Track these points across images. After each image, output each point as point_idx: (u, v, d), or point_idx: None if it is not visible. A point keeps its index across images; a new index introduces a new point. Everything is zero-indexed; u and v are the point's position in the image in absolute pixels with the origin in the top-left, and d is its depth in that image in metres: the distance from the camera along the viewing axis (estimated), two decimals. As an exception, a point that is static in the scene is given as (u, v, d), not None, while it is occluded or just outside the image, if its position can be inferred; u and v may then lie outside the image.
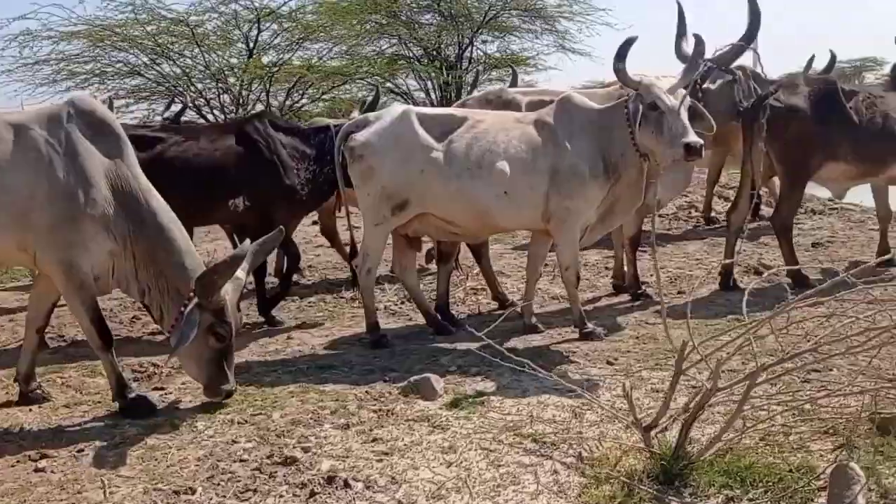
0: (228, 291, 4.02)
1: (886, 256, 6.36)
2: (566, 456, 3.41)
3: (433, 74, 19.90)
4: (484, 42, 20.96)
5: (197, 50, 16.18)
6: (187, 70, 16.27)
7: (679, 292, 6.36)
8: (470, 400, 4.13)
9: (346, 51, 18.97)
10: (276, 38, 17.97)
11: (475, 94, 8.11)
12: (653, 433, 3.28)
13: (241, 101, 16.72)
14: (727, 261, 6.28)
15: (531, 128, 5.06)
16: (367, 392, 4.32)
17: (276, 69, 17.45)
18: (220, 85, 17.23)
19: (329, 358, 5.03)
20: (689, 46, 6.29)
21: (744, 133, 6.14)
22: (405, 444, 3.60)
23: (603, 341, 5.05)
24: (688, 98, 4.81)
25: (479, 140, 5.01)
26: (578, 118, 5.03)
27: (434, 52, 20.34)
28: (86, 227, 3.88)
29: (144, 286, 4.05)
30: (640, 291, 6.17)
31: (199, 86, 16.91)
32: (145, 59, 16.02)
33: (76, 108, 4.02)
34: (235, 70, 17.14)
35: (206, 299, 3.88)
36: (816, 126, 6.01)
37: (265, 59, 17.53)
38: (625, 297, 6.26)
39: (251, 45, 17.60)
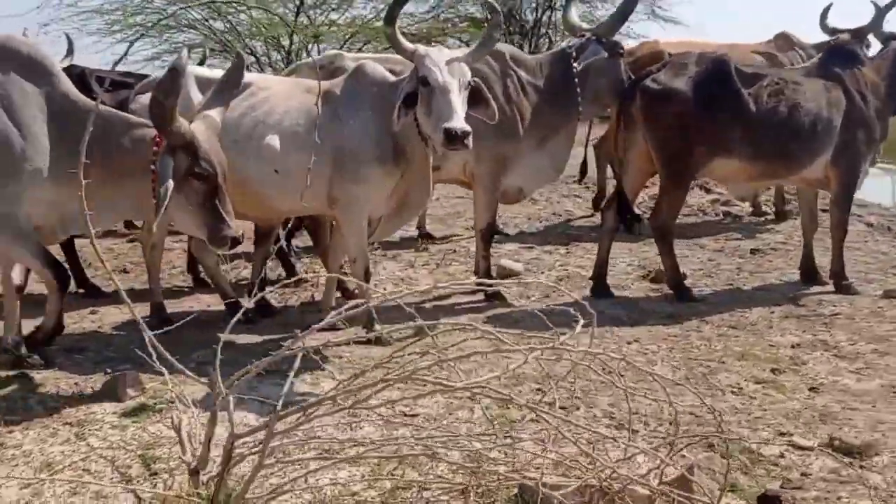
0: (198, 130, 3.69)
1: None
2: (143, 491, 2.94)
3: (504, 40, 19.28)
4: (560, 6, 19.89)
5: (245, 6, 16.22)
6: (237, 25, 16.34)
7: (545, 296, 5.65)
8: (155, 407, 3.71)
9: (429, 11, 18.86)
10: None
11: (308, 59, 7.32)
12: (204, 476, 2.77)
13: (290, 58, 16.68)
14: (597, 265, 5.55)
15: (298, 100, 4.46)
16: (73, 383, 3.98)
17: (329, 28, 17.50)
18: (268, 41, 17.34)
19: (89, 340, 4.71)
20: (576, 14, 5.54)
21: (616, 119, 5.31)
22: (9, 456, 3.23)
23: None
24: (467, 75, 4.12)
25: (254, 110, 4.45)
26: (368, 92, 4.41)
27: (514, 16, 19.69)
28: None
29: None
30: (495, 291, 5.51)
31: (249, 42, 16.99)
32: (196, 15, 16.15)
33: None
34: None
35: (165, 129, 3.55)
36: (700, 113, 5.11)
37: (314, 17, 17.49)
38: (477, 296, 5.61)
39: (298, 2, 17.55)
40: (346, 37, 16.91)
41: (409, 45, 4.22)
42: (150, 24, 16.18)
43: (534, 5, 19.71)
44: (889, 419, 3.56)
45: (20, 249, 3.86)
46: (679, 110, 5.11)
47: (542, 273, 6.25)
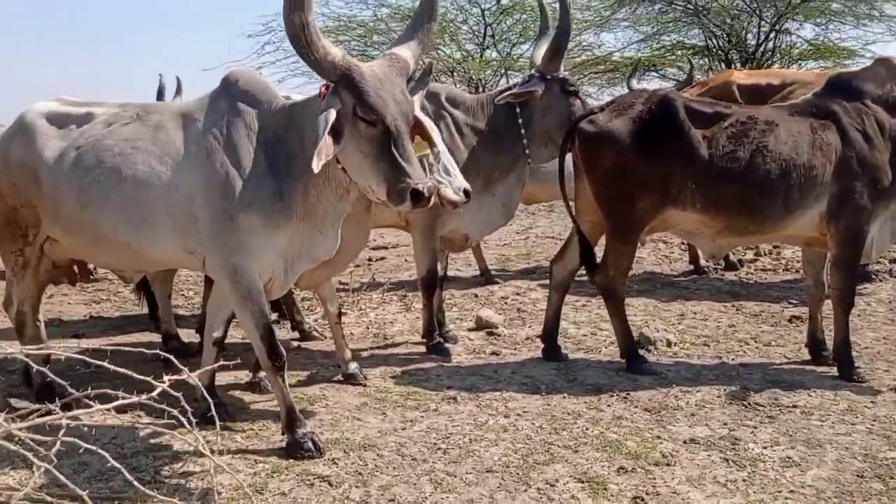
0: (374, 66, 3.19)
1: None
2: None
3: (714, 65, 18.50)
4: (794, 30, 18.38)
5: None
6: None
7: (493, 353, 5.20)
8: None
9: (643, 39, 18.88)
10: (508, 31, 18.36)
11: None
12: None
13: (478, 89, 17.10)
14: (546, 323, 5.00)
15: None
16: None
17: (514, 61, 17.98)
18: (455, 76, 18.01)
19: None
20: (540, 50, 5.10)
21: (559, 163, 4.75)
22: None
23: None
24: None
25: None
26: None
27: (733, 40, 18.73)
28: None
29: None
30: (434, 343, 5.16)
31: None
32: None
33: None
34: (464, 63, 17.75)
35: (308, 59, 3.06)
36: (641, 159, 4.42)
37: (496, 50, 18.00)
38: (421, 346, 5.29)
39: (483, 38, 18.08)
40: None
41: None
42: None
43: (755, 29, 18.46)
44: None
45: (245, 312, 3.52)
46: (617, 155, 4.46)
47: (523, 326, 5.77)
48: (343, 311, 5.01)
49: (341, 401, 4.30)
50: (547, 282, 5.23)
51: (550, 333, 5.00)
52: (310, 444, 3.54)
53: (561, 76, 4.87)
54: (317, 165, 3.01)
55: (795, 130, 4.42)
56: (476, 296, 6.83)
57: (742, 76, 7.23)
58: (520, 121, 4.87)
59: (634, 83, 9.10)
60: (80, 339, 5.60)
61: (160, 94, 7.14)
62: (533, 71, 4.99)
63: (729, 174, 4.35)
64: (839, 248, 4.47)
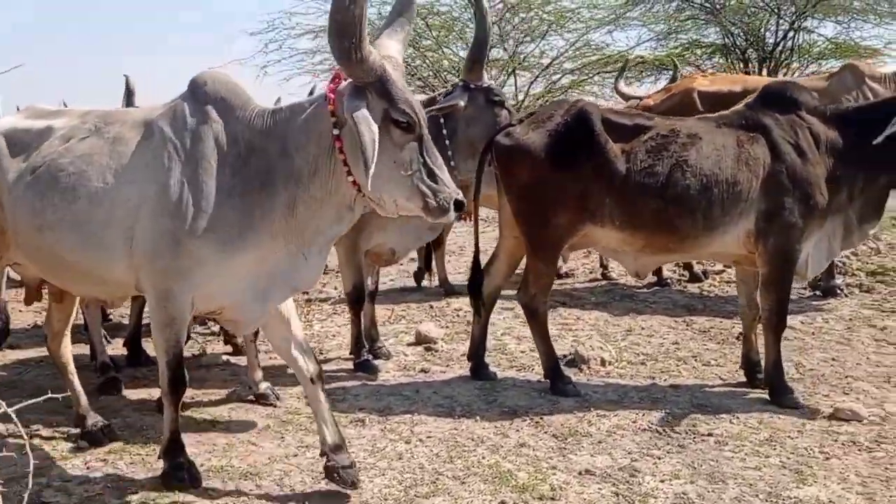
0: (390, 53, 2.91)
1: None
2: None
3: (735, 67, 18.19)
4: (814, 27, 17.93)
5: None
6: (432, 63, 16.91)
7: (422, 370, 5.06)
8: None
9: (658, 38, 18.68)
10: (513, 30, 18.17)
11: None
12: None
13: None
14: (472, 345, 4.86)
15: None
16: None
17: (521, 61, 17.85)
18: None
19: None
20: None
21: (476, 175, 4.59)
22: None
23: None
24: None
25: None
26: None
27: (751, 38, 18.39)
28: None
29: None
30: (361, 361, 5.03)
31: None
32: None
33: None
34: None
35: (352, 60, 2.73)
36: (557, 173, 4.25)
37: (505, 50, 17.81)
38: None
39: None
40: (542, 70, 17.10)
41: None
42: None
43: (774, 27, 18.06)
44: None
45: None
46: (533, 170, 4.29)
47: (465, 342, 5.61)
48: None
49: (244, 423, 4.19)
50: (512, 293, 5.06)
51: (477, 351, 4.85)
52: (184, 474, 3.41)
53: (485, 86, 4.70)
54: (367, 183, 2.73)
55: (720, 144, 4.22)
56: (431, 307, 6.69)
57: (705, 83, 7.00)
58: (444, 132, 4.71)
59: (622, 85, 8.88)
60: (15, 349, 5.57)
61: (129, 95, 7.07)
62: (458, 81, 4.83)
63: (646, 190, 4.17)
64: (768, 266, 4.26)
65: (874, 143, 4.05)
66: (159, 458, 3.51)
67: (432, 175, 2.82)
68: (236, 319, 3.32)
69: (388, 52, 2.92)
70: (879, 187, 4.37)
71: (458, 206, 2.82)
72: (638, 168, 4.18)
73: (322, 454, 3.43)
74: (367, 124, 2.71)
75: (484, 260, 4.82)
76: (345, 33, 2.67)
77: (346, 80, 2.89)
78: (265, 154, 3.04)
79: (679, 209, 4.14)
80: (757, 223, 4.21)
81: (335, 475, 3.33)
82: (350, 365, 5.11)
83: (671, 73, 9.80)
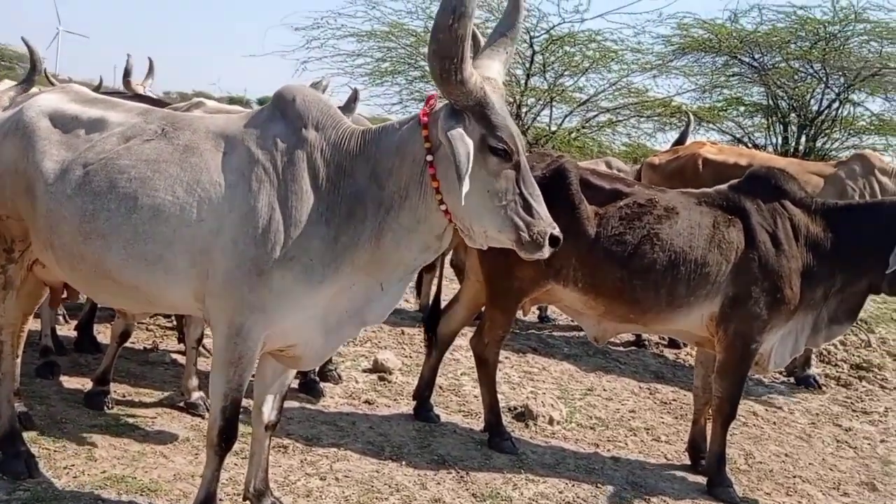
0: (490, 74, 2.73)
1: None
2: None
3: (774, 129, 17.94)
4: (861, 101, 17.62)
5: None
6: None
7: (367, 401, 4.93)
8: None
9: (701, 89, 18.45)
10: (556, 61, 18.06)
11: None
12: None
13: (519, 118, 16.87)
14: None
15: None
16: None
17: (559, 92, 17.75)
18: None
19: None
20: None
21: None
22: None
23: None
24: None
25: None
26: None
27: (795, 104, 18.11)
28: None
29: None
30: (306, 381, 4.92)
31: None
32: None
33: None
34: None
35: (453, 81, 2.54)
36: (523, 227, 4.11)
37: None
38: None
39: (531, 64, 17.86)
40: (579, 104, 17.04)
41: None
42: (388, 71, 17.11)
43: (819, 95, 17.77)
44: None
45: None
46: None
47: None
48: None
49: (164, 433, 4.07)
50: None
51: (423, 392, 4.71)
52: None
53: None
54: (461, 201, 2.54)
55: (696, 222, 4.06)
56: (402, 333, 6.56)
57: (712, 151, 6.82)
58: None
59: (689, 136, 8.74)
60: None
61: (126, 75, 7.05)
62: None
63: (613, 257, 4.02)
64: (726, 353, 4.10)
65: (887, 272, 3.93)
66: None
67: (528, 207, 2.63)
68: (301, 356, 3.06)
69: (489, 73, 2.72)
70: (858, 290, 4.20)
71: (554, 241, 2.65)
72: (608, 233, 4.04)
73: (245, 498, 3.31)
74: (463, 141, 2.53)
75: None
76: (446, 53, 2.50)
77: (439, 100, 2.72)
78: (354, 179, 2.82)
79: (644, 282, 3.99)
80: (722, 307, 4.06)
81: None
82: (295, 383, 4.99)
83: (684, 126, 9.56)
